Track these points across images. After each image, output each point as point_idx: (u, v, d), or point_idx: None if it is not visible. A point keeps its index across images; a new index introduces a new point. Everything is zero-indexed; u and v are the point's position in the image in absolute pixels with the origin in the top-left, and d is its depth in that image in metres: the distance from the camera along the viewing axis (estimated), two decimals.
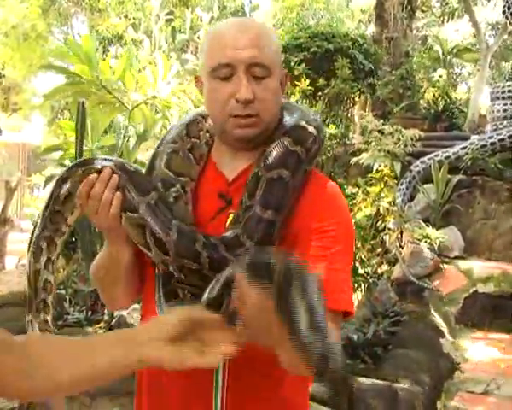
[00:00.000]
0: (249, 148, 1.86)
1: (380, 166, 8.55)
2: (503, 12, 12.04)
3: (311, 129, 1.86)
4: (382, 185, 7.45)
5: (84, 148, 6.67)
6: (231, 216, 1.81)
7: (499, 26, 17.25)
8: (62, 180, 1.81)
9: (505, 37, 13.08)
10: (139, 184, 1.76)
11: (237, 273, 1.39)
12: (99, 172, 1.73)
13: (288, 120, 1.89)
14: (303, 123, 1.88)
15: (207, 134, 1.98)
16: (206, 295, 1.47)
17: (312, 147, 1.85)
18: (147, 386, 1.89)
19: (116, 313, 5.98)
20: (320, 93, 10.85)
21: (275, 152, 1.79)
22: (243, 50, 1.75)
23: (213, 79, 1.80)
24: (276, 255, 1.36)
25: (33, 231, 1.91)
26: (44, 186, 9.78)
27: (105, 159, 1.81)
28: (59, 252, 1.91)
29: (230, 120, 1.78)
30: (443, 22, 21.57)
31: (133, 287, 1.94)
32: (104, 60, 7.40)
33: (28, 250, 1.91)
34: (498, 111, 11.19)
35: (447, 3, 21.71)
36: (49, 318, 1.87)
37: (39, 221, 1.89)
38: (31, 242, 1.91)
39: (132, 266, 1.87)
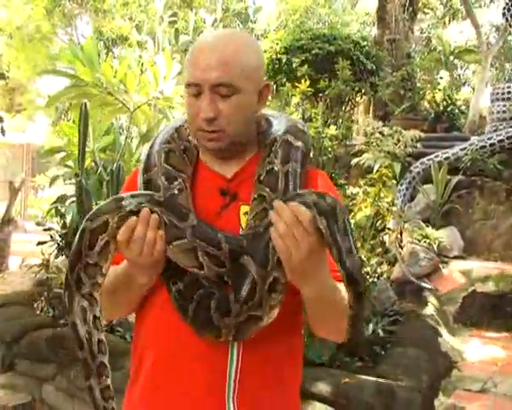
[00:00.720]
0: (228, 156, 1.99)
1: (380, 166, 8.59)
2: (503, 14, 12.06)
3: (304, 127, 2.09)
4: (381, 186, 7.48)
5: (86, 149, 6.73)
6: (243, 208, 1.93)
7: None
8: (91, 231, 1.75)
9: (510, 38, 13.07)
10: (176, 211, 1.78)
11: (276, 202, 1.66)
12: (134, 213, 1.73)
13: (278, 122, 2.06)
14: (296, 123, 2.08)
15: (195, 139, 2.04)
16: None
17: (308, 143, 2.04)
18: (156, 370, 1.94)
19: None
20: (321, 94, 10.90)
21: (284, 149, 1.94)
22: (210, 71, 1.85)
23: (187, 94, 1.93)
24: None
25: (67, 290, 1.80)
26: (50, 186, 9.87)
27: (132, 196, 1.79)
28: (100, 306, 1.83)
29: (199, 133, 1.91)
30: (444, 24, 21.58)
31: (135, 305, 2.00)
32: (105, 61, 7.42)
33: (69, 312, 1.79)
34: (498, 112, 11.21)
35: (450, 5, 21.73)
36: (109, 381, 1.82)
37: (71, 280, 1.79)
38: (67, 300, 1.81)
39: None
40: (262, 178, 1.91)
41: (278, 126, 2.03)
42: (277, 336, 1.87)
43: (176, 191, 1.89)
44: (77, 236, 1.77)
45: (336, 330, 1.86)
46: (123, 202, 1.75)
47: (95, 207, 1.80)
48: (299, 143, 1.98)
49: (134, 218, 1.71)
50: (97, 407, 1.79)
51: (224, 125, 1.88)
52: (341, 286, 1.69)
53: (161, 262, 1.78)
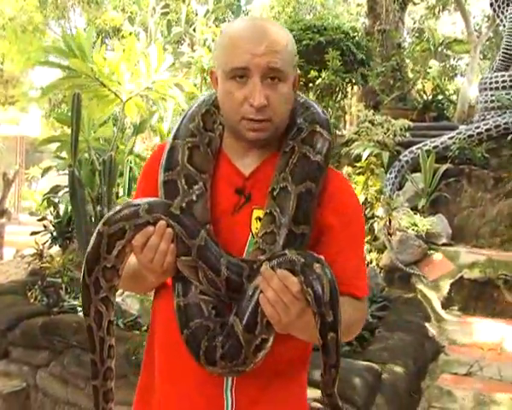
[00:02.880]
0: (260, 147, 1.93)
1: (369, 155, 8.68)
2: (491, 4, 12.05)
3: (325, 134, 1.94)
4: (369, 174, 7.57)
5: (80, 138, 6.78)
6: (255, 212, 1.91)
7: None
8: (109, 236, 1.76)
9: (501, 28, 13.09)
10: (188, 227, 1.77)
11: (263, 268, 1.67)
12: (151, 223, 1.74)
13: (303, 121, 1.97)
14: (318, 128, 1.94)
15: (220, 126, 2.01)
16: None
17: (329, 153, 1.94)
18: (159, 371, 2.00)
19: None
20: (311, 84, 10.96)
21: (300, 165, 1.87)
22: (260, 56, 1.79)
23: (229, 80, 1.84)
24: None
25: (85, 292, 1.83)
26: (42, 176, 9.91)
27: (149, 204, 1.78)
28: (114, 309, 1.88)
29: (243, 122, 1.84)
30: (434, 14, 21.58)
31: (149, 290, 2.09)
32: (99, 52, 7.46)
33: (87, 315, 1.83)
34: (486, 102, 11.25)
35: None
36: (113, 383, 1.89)
37: (89, 283, 1.81)
38: (85, 303, 1.84)
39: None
40: (275, 194, 1.86)
41: (300, 128, 1.95)
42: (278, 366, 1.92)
43: (194, 197, 1.86)
44: (93, 239, 1.79)
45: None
46: (140, 211, 1.75)
47: (111, 211, 1.81)
48: (319, 158, 1.89)
49: (151, 228, 1.73)
50: (97, 406, 1.89)
51: (272, 114, 1.83)
52: None
53: (169, 273, 1.81)
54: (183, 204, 1.84)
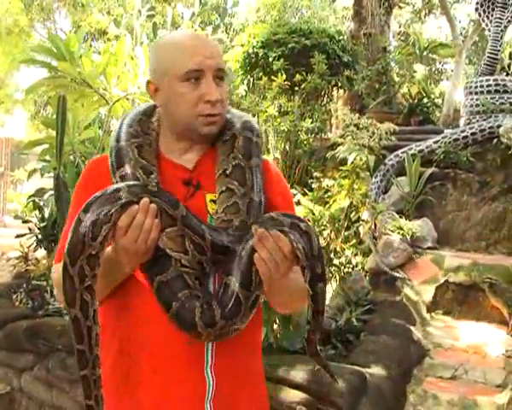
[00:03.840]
0: (204, 142, 2.13)
1: (355, 159, 8.68)
2: (476, 9, 12.10)
3: (255, 123, 2.26)
4: (355, 178, 7.58)
5: (66, 141, 6.76)
6: (208, 196, 2.08)
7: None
8: (93, 222, 1.78)
9: (486, 33, 13.12)
10: (170, 200, 1.87)
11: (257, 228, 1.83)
12: (134, 202, 1.81)
13: (232, 116, 2.20)
14: (247, 118, 2.23)
15: (154, 132, 2.16)
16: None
17: (261, 135, 2.25)
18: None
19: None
20: (297, 88, 10.96)
21: (246, 145, 2.12)
22: (211, 58, 2.00)
23: (182, 82, 2.00)
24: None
25: (69, 283, 1.80)
26: (28, 179, 9.88)
27: (128, 186, 1.85)
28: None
29: (200, 119, 2.02)
30: (420, 18, 21.66)
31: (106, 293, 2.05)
32: (86, 55, 7.45)
33: (71, 306, 1.81)
34: (471, 106, 11.28)
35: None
36: (100, 371, 1.89)
37: (73, 273, 1.80)
38: (69, 294, 1.82)
39: None
40: (228, 172, 2.06)
41: (233, 121, 2.17)
42: (245, 331, 2.00)
43: (154, 184, 1.95)
44: (73, 228, 1.80)
45: (291, 308, 2.29)
46: (120, 193, 1.81)
47: (90, 199, 1.82)
48: (257, 139, 2.17)
49: (136, 207, 1.80)
50: (90, 395, 1.88)
51: (223, 108, 2.06)
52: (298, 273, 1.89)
53: (150, 251, 1.87)
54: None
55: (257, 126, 2.22)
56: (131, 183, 1.91)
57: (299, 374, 4.73)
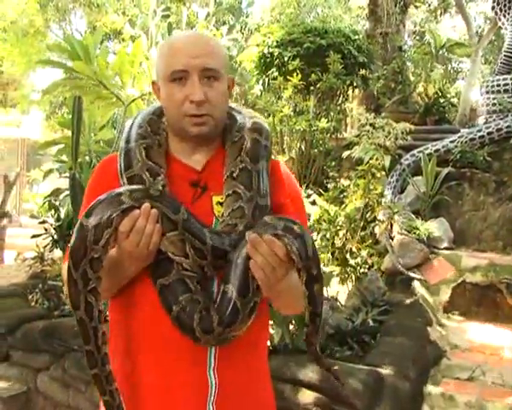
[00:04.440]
0: (205, 143, 2.13)
1: (371, 159, 8.65)
2: (492, 7, 12.03)
3: (265, 124, 2.24)
4: (370, 177, 7.55)
5: (81, 141, 6.77)
6: (215, 198, 2.09)
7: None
8: (96, 226, 1.80)
9: (503, 31, 13.02)
10: (171, 204, 1.90)
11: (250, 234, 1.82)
12: (136, 207, 1.83)
13: (242, 118, 2.22)
14: (258, 120, 2.23)
15: (164, 132, 2.19)
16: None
17: (271, 139, 2.23)
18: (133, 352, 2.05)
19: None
20: (312, 88, 10.94)
21: (253, 148, 2.11)
22: (196, 58, 2.01)
23: (169, 83, 2.04)
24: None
25: (73, 287, 1.83)
26: (43, 179, 9.91)
27: (130, 191, 1.87)
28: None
29: (186, 119, 2.03)
30: (435, 17, 21.56)
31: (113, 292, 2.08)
32: (101, 55, 7.46)
33: (77, 308, 1.84)
34: (488, 105, 11.24)
35: None
36: (110, 366, 1.91)
37: (77, 277, 1.82)
38: (73, 297, 1.85)
39: None
40: (235, 175, 2.07)
41: (243, 123, 2.19)
42: (249, 334, 2.02)
43: (160, 187, 1.99)
44: (76, 233, 1.83)
45: (294, 310, 2.20)
46: (122, 198, 1.83)
47: (91, 204, 1.85)
48: (266, 142, 2.16)
49: (137, 211, 1.82)
50: (104, 391, 1.91)
51: (211, 109, 2.03)
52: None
53: (153, 255, 1.90)
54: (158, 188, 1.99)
55: (266, 128, 2.21)
56: (134, 187, 1.93)
57: (313, 375, 4.70)
